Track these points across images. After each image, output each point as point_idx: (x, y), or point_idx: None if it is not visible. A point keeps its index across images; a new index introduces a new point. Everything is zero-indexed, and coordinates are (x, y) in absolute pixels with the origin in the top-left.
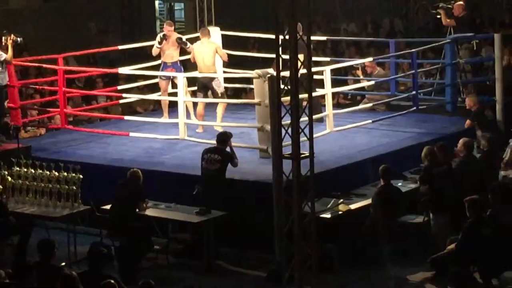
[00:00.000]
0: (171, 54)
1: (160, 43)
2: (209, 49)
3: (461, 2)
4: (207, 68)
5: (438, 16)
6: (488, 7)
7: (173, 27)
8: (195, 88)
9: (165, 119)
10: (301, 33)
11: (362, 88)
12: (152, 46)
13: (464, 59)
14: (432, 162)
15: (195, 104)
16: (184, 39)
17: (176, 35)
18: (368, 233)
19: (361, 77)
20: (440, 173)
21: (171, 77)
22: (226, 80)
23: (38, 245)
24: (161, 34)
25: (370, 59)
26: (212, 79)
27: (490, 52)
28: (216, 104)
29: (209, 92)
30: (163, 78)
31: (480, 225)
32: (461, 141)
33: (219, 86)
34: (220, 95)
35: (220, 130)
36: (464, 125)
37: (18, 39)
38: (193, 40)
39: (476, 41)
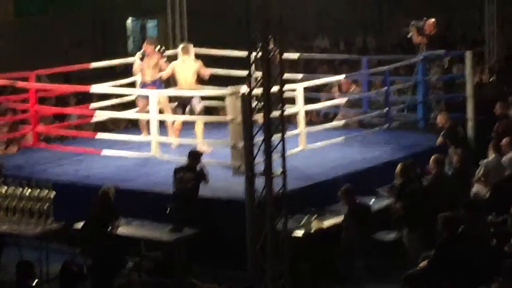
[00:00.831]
0: (151, 72)
1: (142, 59)
2: (191, 68)
3: (432, 20)
4: (189, 85)
5: (408, 36)
6: (461, 25)
7: (153, 46)
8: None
9: (143, 136)
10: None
11: (335, 106)
12: (126, 64)
13: (435, 76)
14: (405, 179)
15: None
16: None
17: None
18: (342, 251)
19: (338, 94)
20: (412, 190)
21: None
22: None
23: (17, 266)
24: (139, 53)
25: (343, 76)
26: (192, 96)
27: (462, 70)
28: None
29: (187, 109)
30: (142, 97)
31: (453, 241)
32: (432, 158)
33: (198, 103)
34: (197, 113)
35: (206, 149)
36: (436, 142)
37: None
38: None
39: (448, 58)
